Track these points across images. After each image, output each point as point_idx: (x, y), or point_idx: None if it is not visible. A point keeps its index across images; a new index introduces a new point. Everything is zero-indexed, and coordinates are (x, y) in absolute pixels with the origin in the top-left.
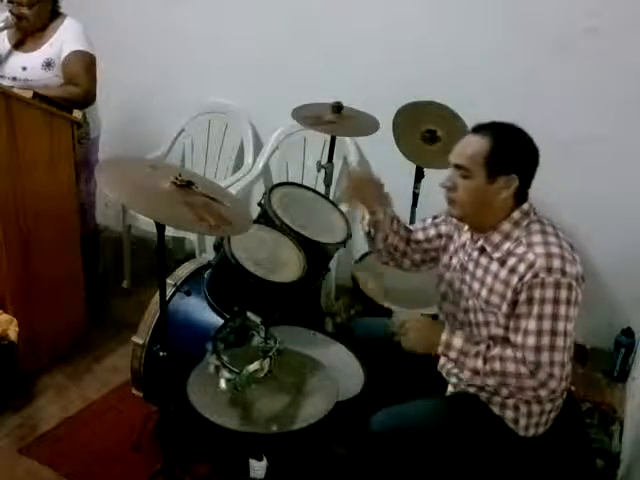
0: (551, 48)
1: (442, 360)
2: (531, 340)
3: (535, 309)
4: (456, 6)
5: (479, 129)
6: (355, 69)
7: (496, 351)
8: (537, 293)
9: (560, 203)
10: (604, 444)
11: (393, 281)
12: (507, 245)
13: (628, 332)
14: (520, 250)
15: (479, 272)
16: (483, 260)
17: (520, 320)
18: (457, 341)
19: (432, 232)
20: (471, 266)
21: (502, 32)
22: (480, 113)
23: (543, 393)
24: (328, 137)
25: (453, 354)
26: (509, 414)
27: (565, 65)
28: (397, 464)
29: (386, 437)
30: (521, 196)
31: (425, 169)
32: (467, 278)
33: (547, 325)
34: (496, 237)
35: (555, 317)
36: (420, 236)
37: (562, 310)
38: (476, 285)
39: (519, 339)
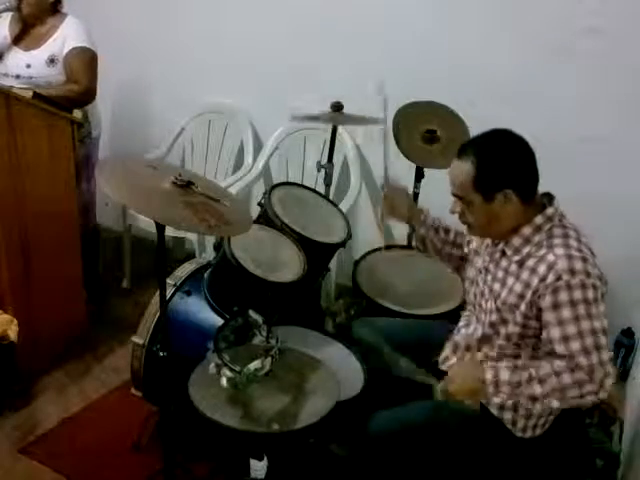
0: (551, 48)
1: (443, 355)
2: (575, 345)
3: (567, 312)
4: (456, 6)
5: (462, 152)
6: (355, 69)
7: (547, 369)
8: (564, 296)
9: (560, 203)
10: (604, 444)
11: (393, 281)
12: (527, 249)
13: (628, 332)
14: (541, 252)
15: (500, 274)
16: (504, 262)
17: (552, 328)
18: (504, 375)
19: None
20: (492, 267)
21: (502, 32)
22: (480, 113)
23: (602, 395)
24: (328, 137)
25: (505, 389)
26: (507, 415)
27: (565, 65)
28: (396, 466)
29: (384, 439)
30: (529, 199)
31: (425, 169)
32: (489, 279)
33: (586, 325)
34: (516, 241)
35: (590, 316)
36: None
37: (594, 309)
38: (497, 286)
39: (561, 348)
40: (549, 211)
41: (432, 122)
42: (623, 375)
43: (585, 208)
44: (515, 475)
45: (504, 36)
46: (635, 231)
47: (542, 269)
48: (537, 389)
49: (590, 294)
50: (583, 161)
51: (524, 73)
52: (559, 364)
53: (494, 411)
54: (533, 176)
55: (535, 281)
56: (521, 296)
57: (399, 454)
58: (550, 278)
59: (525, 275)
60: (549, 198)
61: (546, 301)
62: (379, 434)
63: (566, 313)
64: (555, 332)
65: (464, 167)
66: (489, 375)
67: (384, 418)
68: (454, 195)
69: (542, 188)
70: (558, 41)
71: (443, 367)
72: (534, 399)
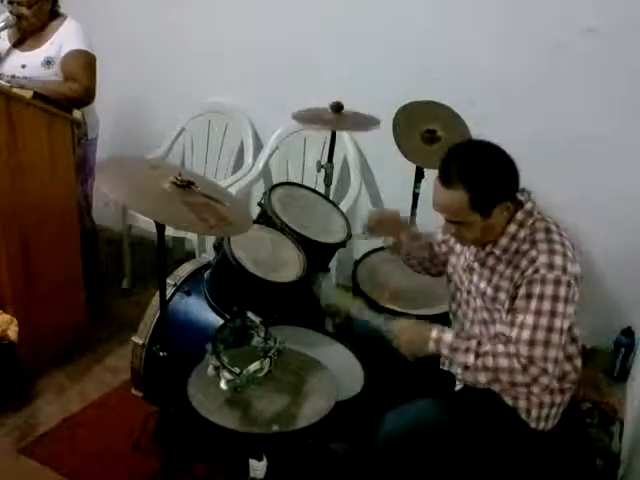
0: (551, 48)
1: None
2: (526, 334)
3: (533, 304)
4: (456, 6)
5: (446, 180)
6: (355, 69)
7: (488, 347)
8: (537, 289)
9: (560, 203)
10: (604, 444)
11: (393, 281)
12: (515, 246)
13: (628, 332)
14: (525, 247)
15: (486, 272)
16: (490, 261)
17: (517, 314)
18: (447, 337)
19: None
20: (477, 266)
21: (502, 32)
22: (480, 113)
23: (536, 389)
24: (328, 137)
25: (444, 350)
26: (522, 404)
27: (565, 65)
28: (410, 465)
29: (399, 440)
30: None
31: (425, 169)
32: (474, 278)
33: (544, 321)
34: (504, 240)
35: (553, 314)
36: (442, 249)
37: (560, 307)
38: (482, 284)
39: (514, 333)
40: (528, 206)
41: (432, 122)
42: (623, 375)
43: (585, 207)
44: (524, 468)
45: (504, 36)
46: (635, 231)
47: (524, 264)
48: (470, 359)
49: (562, 291)
50: (583, 161)
51: (524, 73)
52: (501, 347)
53: (508, 400)
54: (517, 179)
55: (517, 275)
56: (507, 291)
57: (413, 453)
58: (529, 271)
59: (509, 272)
60: (525, 192)
61: (521, 291)
62: (392, 437)
63: (532, 305)
64: (515, 317)
65: (455, 195)
66: (434, 333)
67: (394, 420)
68: (447, 220)
69: (542, 188)
70: (558, 41)
71: (445, 366)
72: (466, 367)
